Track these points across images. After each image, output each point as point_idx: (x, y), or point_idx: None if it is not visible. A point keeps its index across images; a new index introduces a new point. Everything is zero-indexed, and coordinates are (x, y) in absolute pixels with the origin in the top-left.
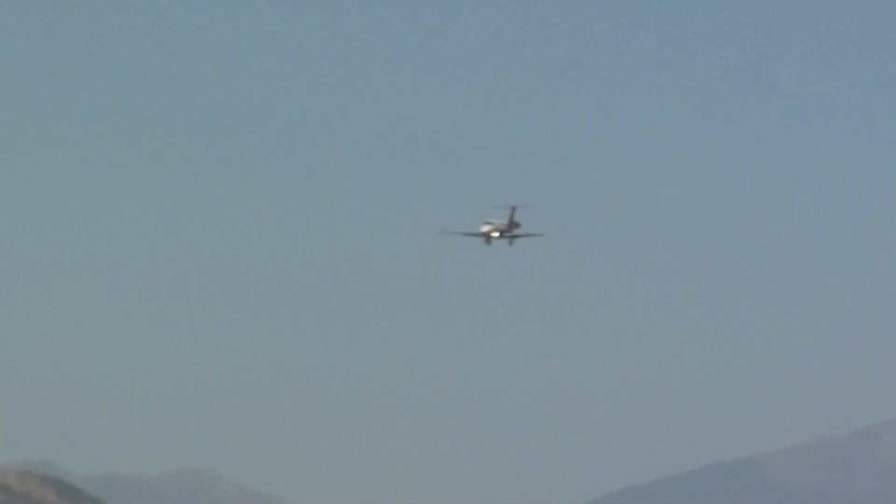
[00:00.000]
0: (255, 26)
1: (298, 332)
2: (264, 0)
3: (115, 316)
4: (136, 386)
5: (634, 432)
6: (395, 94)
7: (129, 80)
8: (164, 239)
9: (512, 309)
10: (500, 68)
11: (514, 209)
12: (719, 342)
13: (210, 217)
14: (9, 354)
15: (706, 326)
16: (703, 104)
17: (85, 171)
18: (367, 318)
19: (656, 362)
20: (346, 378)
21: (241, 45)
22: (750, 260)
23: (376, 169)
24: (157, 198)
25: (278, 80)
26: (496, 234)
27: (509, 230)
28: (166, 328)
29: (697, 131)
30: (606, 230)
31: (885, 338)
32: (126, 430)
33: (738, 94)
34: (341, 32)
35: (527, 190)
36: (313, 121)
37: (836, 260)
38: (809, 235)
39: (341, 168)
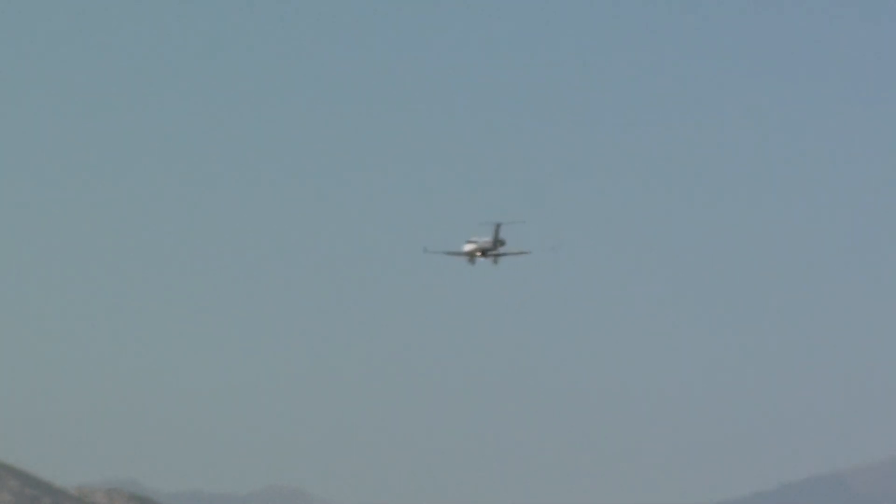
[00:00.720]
0: (232, 46)
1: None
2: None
3: (197, 335)
4: (219, 404)
5: (719, 450)
6: (375, 107)
7: (129, 79)
8: (261, 260)
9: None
10: (484, 79)
11: (499, 226)
12: (796, 356)
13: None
14: (91, 374)
15: (767, 341)
16: (691, 117)
17: (89, 172)
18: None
19: (728, 379)
20: (395, 393)
21: (220, 65)
22: (816, 269)
23: (357, 186)
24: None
25: (261, 100)
26: (479, 254)
27: (494, 248)
28: (248, 347)
29: (689, 145)
30: (599, 245)
31: None
32: (211, 448)
33: (727, 106)
34: (323, 50)
35: (513, 205)
36: (297, 135)
37: None
38: (873, 244)
39: (319, 186)
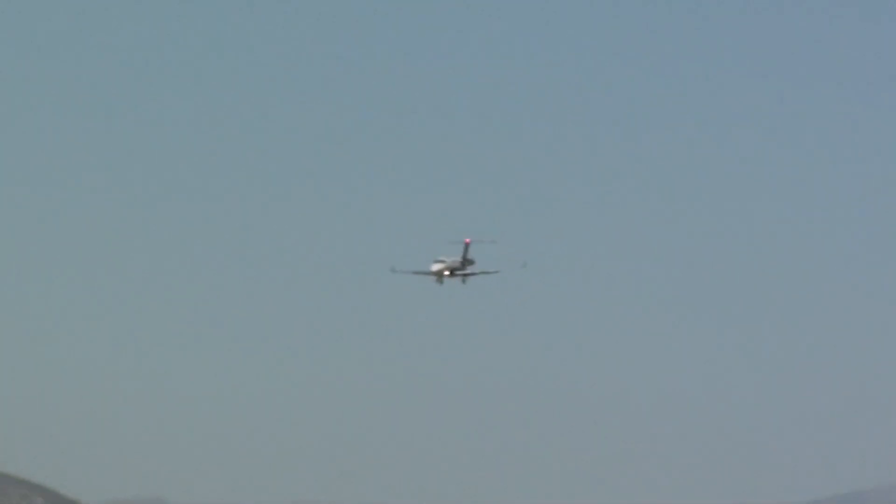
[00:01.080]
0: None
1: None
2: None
3: (220, 350)
4: (247, 419)
5: (733, 470)
6: (339, 121)
7: (129, 79)
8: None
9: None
10: (454, 91)
11: (467, 245)
12: (817, 372)
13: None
14: (117, 390)
15: (770, 356)
16: (662, 135)
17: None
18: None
19: (741, 395)
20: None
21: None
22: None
23: (318, 202)
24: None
25: (224, 118)
26: (447, 273)
27: (462, 268)
28: (268, 362)
29: (663, 163)
30: (572, 263)
31: None
32: (238, 462)
33: (719, 113)
34: (280, 65)
35: (482, 223)
36: (262, 150)
37: None
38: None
39: (283, 203)
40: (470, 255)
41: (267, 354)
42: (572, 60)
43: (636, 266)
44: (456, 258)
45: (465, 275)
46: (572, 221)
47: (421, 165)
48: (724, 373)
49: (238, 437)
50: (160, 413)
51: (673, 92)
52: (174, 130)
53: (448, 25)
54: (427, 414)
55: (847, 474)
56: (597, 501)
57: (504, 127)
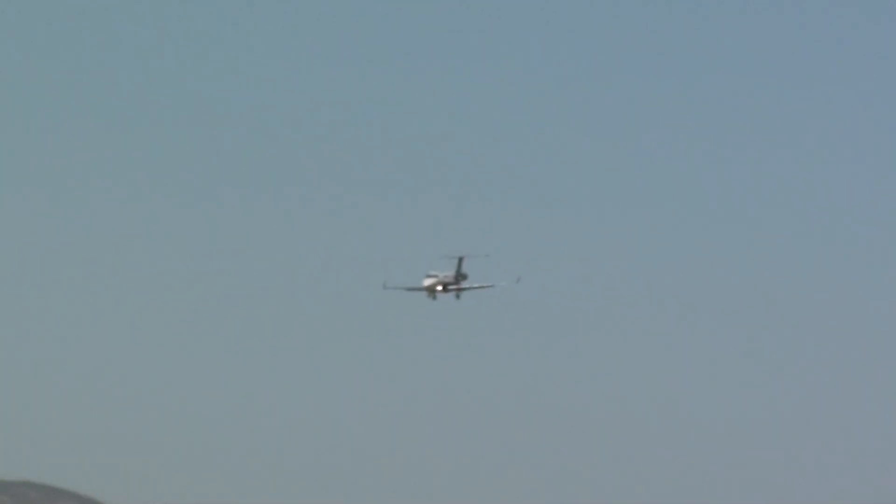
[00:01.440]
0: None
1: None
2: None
3: (218, 363)
4: (281, 428)
5: (788, 478)
6: (327, 131)
7: (128, 78)
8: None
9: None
10: (446, 103)
11: (461, 259)
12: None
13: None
14: (147, 397)
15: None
16: (660, 147)
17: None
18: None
19: (792, 402)
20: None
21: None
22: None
23: (308, 216)
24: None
25: (209, 128)
26: (440, 288)
27: (456, 282)
28: (268, 378)
29: (660, 177)
30: (567, 278)
31: None
32: (269, 468)
33: (714, 118)
34: (273, 76)
35: (476, 237)
36: (252, 162)
37: None
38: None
39: (269, 217)
40: (464, 270)
41: (265, 370)
42: (568, 70)
43: (633, 279)
44: (449, 273)
45: (459, 289)
46: (567, 234)
47: (412, 178)
48: (747, 381)
49: (242, 446)
50: (195, 420)
51: (672, 98)
52: (169, 137)
53: (435, 36)
54: (422, 432)
55: None
56: None
57: (497, 139)
